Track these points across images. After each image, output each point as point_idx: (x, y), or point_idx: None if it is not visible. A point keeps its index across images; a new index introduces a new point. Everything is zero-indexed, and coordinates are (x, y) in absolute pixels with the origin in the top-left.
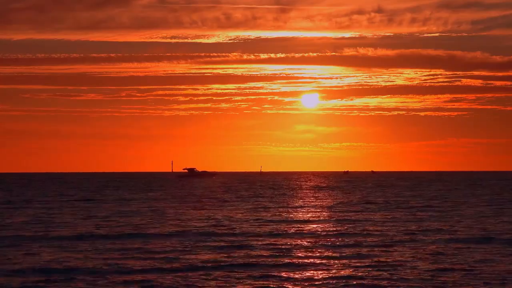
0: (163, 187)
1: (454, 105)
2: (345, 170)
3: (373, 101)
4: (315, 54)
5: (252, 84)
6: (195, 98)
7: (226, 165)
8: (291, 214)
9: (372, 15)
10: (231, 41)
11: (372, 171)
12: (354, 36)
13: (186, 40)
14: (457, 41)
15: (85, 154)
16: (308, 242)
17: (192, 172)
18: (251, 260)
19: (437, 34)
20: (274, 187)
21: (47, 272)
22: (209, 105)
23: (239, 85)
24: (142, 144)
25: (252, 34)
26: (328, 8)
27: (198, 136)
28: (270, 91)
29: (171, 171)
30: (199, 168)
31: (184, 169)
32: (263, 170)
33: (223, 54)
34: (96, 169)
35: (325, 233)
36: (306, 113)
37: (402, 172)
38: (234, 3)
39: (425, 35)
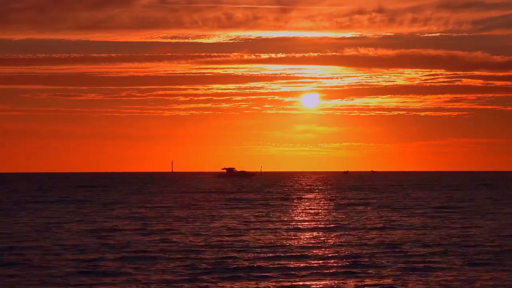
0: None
1: (454, 105)
2: (345, 170)
3: (373, 101)
4: (315, 54)
5: (252, 84)
6: (196, 98)
7: (226, 165)
8: None
9: (373, 15)
10: (232, 41)
11: (372, 171)
12: (354, 36)
13: (186, 40)
14: (458, 41)
15: (85, 154)
16: None
17: (230, 172)
18: None
19: (437, 34)
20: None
21: None
22: (209, 105)
23: (239, 85)
24: (142, 144)
25: (253, 34)
26: (329, 8)
27: (198, 136)
28: (271, 91)
29: (171, 171)
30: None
31: (222, 168)
32: (263, 170)
33: (224, 54)
34: (96, 169)
35: None
36: (306, 113)
37: (402, 172)
38: (235, 3)
39: (426, 35)
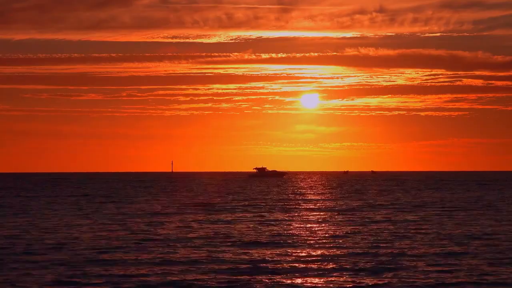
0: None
1: (455, 105)
2: (345, 170)
3: (374, 101)
4: (316, 54)
5: (253, 84)
6: (196, 98)
7: (226, 165)
8: None
9: (373, 15)
10: (233, 41)
11: (372, 171)
12: (355, 36)
13: (187, 40)
14: (459, 41)
15: (85, 154)
16: None
17: (262, 172)
18: None
19: (438, 34)
20: None
21: None
22: (209, 105)
23: (240, 85)
24: (142, 144)
25: (254, 34)
26: (330, 8)
27: (198, 136)
28: (271, 91)
29: (171, 171)
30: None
31: (254, 168)
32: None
33: (224, 54)
34: (96, 169)
35: None
36: (307, 113)
37: (402, 172)
38: (235, 3)
39: (427, 35)
